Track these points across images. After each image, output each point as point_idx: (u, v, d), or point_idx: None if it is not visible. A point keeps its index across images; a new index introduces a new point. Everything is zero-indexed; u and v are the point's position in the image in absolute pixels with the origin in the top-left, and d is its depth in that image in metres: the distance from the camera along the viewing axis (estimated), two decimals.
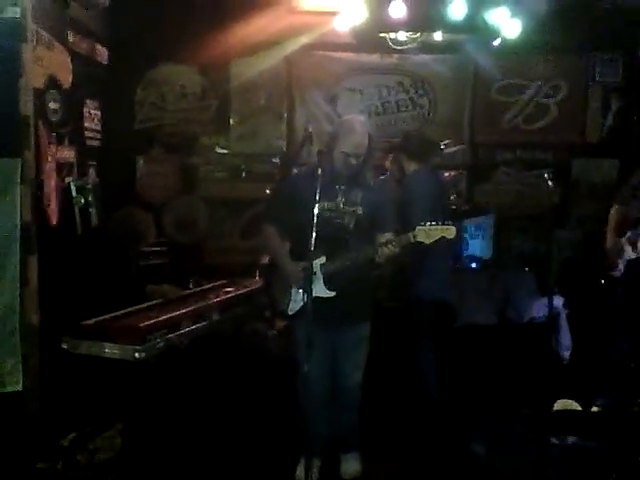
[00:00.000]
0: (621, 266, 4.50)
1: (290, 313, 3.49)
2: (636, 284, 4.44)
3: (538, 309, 4.91)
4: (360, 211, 3.43)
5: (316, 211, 2.93)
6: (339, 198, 3.42)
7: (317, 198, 2.96)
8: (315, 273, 3.31)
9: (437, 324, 4.31)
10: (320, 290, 3.34)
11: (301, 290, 3.35)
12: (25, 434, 3.42)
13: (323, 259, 3.36)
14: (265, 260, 4.85)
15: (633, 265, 4.45)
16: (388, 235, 3.35)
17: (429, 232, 3.16)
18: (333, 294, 3.37)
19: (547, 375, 3.97)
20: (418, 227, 3.17)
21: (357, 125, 3.42)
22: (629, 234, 4.47)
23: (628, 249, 4.45)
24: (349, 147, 3.35)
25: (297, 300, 3.42)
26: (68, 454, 3.51)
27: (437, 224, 3.17)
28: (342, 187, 3.43)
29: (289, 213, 3.40)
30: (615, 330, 4.57)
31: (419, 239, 3.18)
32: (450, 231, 3.18)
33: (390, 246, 3.24)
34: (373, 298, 3.66)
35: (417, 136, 4.75)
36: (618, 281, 4.55)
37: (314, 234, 2.89)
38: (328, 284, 3.37)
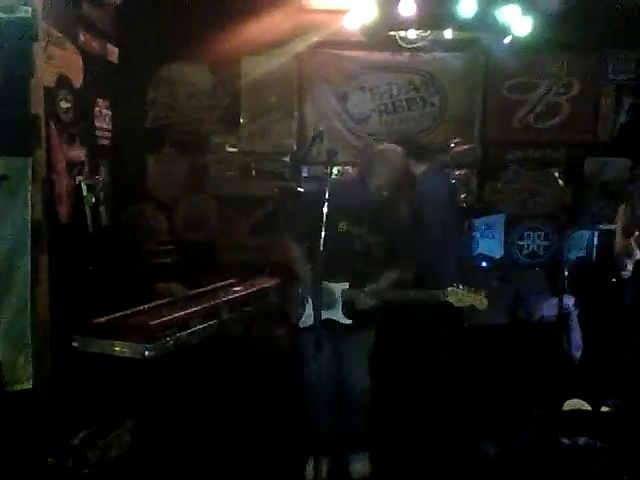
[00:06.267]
0: (630, 267, 4.47)
1: (301, 326, 3.48)
2: None
3: (549, 308, 4.89)
4: (387, 241, 3.39)
5: (325, 223, 2.90)
6: (367, 225, 3.37)
7: (326, 211, 2.94)
8: (335, 296, 3.32)
9: (447, 323, 4.30)
10: (337, 315, 3.35)
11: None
12: (36, 431, 3.43)
13: (346, 285, 3.35)
14: (275, 258, 4.87)
15: None
16: (409, 274, 3.40)
17: (461, 297, 3.19)
18: (349, 322, 3.37)
19: (558, 375, 3.94)
20: (451, 288, 3.19)
21: (392, 157, 3.40)
22: (637, 234, 4.43)
23: (637, 251, 4.42)
24: (383, 180, 3.33)
25: (310, 315, 3.30)
26: (78, 451, 3.53)
27: (471, 290, 3.18)
28: (371, 215, 3.38)
29: (310, 231, 3.18)
30: (626, 331, 4.54)
31: (449, 300, 3.20)
32: (482, 303, 3.19)
33: (416, 295, 3.31)
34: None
35: (415, 139, 4.84)
36: (628, 281, 4.52)
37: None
38: (346, 311, 3.36)
